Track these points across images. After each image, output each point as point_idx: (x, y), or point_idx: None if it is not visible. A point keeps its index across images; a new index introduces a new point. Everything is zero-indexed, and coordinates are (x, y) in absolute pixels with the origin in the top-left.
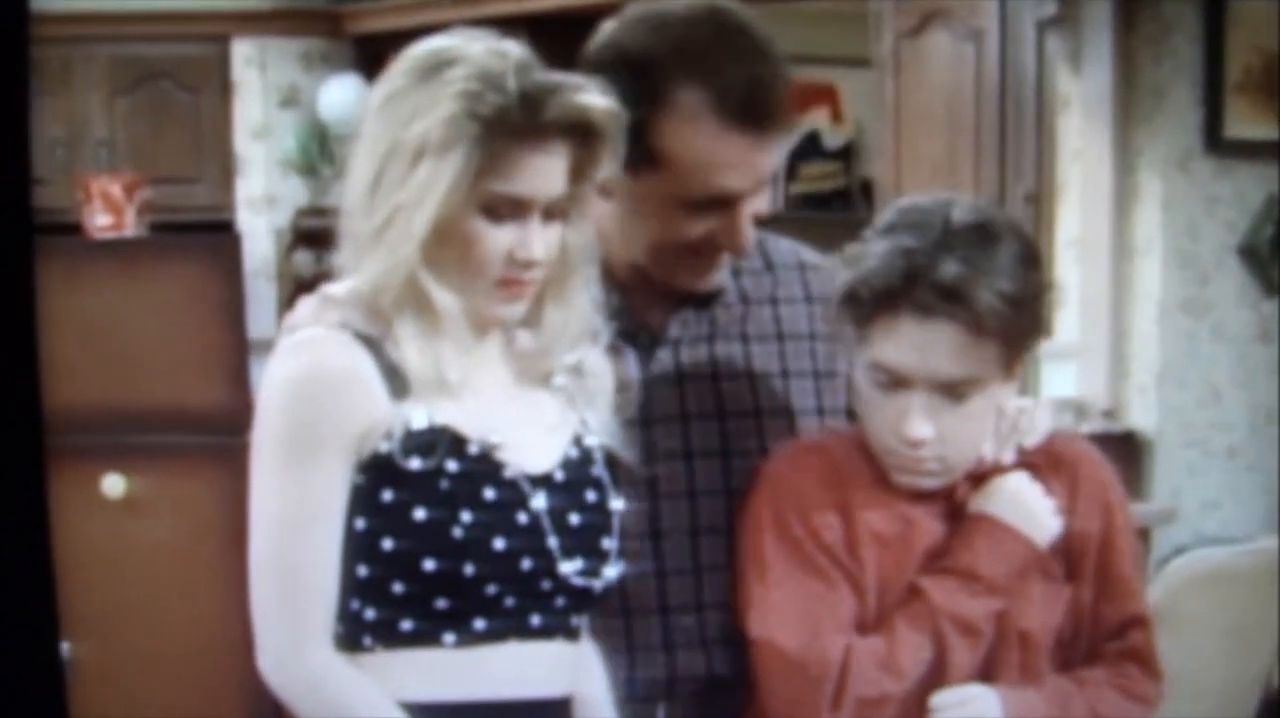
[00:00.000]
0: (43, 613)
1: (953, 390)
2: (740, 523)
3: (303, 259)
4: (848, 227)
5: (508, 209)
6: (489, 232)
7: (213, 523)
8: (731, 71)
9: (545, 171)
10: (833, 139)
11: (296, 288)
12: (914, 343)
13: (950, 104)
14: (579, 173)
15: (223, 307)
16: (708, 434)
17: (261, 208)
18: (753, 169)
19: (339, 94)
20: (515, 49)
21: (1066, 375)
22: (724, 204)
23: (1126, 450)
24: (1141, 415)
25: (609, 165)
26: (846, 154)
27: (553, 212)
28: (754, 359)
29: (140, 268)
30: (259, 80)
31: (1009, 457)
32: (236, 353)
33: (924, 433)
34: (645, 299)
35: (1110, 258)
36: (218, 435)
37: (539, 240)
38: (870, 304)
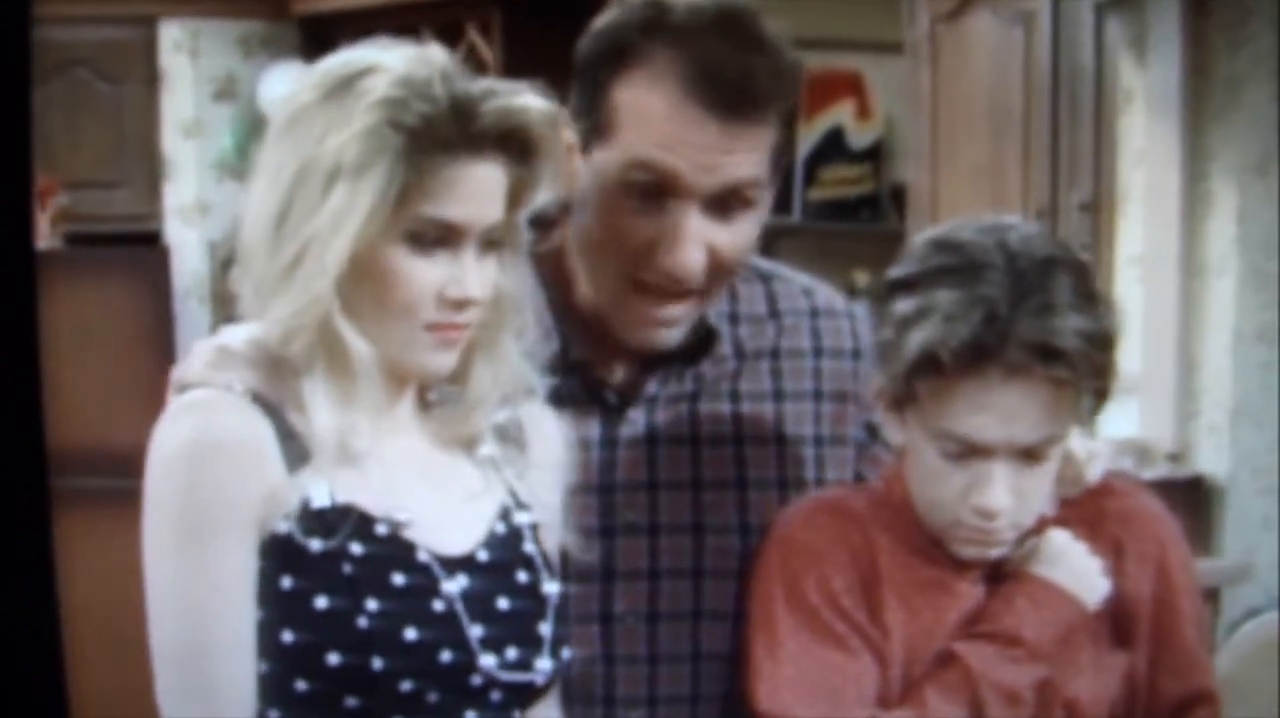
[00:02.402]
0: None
1: (1032, 453)
2: (750, 590)
3: None
4: (876, 240)
5: (438, 238)
6: (415, 266)
7: (138, 579)
8: (715, 46)
9: (481, 192)
10: (858, 137)
11: (233, 310)
12: (1001, 409)
13: (995, 98)
14: (514, 198)
15: (149, 331)
16: (678, 507)
17: (193, 217)
18: (706, 160)
19: (282, 85)
20: (439, 55)
21: (1127, 413)
22: (667, 194)
23: (1194, 499)
24: (1212, 459)
25: (548, 187)
26: (874, 155)
27: (489, 243)
28: (744, 422)
29: (54, 286)
30: (190, 69)
31: (1050, 508)
32: (164, 385)
33: (1006, 504)
34: (618, 351)
35: (1178, 277)
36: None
37: (475, 276)
38: (953, 369)
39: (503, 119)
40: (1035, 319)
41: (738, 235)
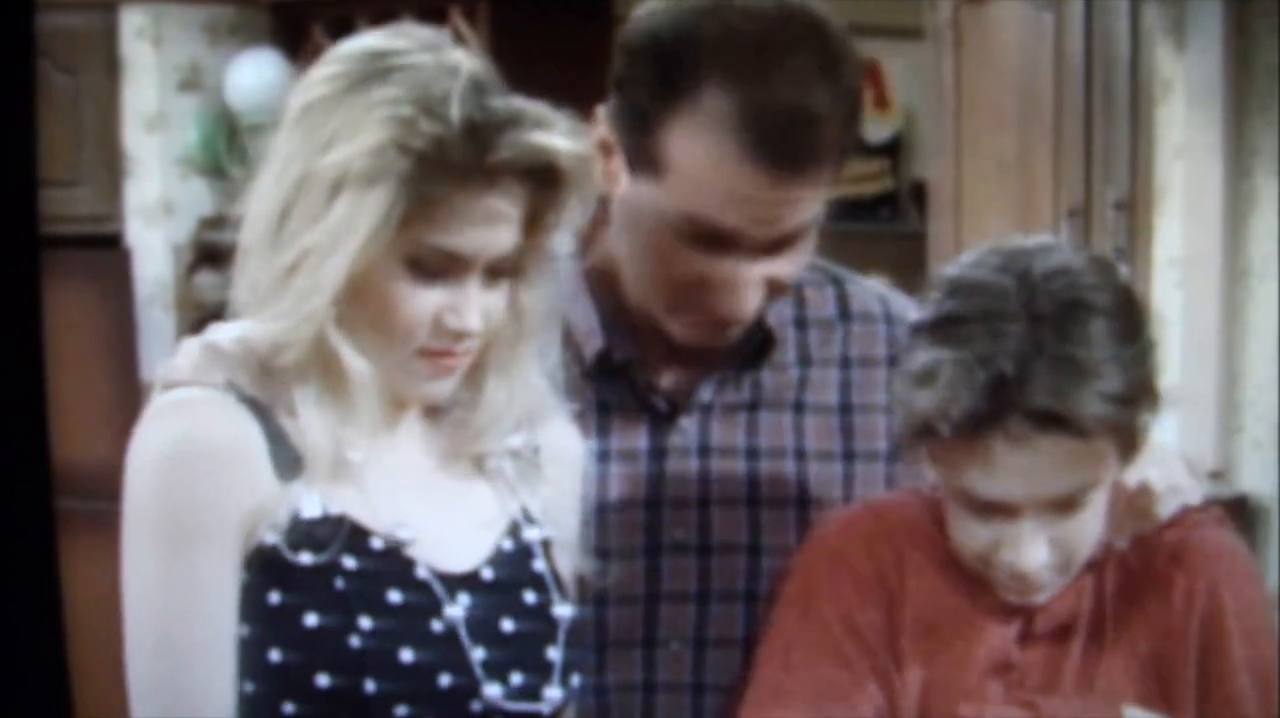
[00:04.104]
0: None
1: (1063, 504)
2: (775, 590)
3: (207, 282)
4: (895, 241)
5: (440, 266)
6: (414, 293)
7: (91, 608)
8: (779, 88)
9: (491, 224)
10: (876, 130)
11: (200, 318)
12: (1016, 470)
13: (1023, 88)
14: (536, 222)
15: (109, 341)
16: (732, 526)
17: (157, 218)
18: (766, 214)
19: (252, 75)
20: (469, 63)
21: (1165, 428)
22: (723, 247)
23: (1237, 520)
24: (1256, 477)
25: (575, 212)
26: (893, 149)
27: (498, 270)
28: (807, 436)
29: None
30: (153, 57)
31: (1122, 542)
32: (126, 399)
33: (1038, 562)
34: (668, 354)
35: (1220, 281)
36: (103, 501)
37: (475, 308)
38: (954, 438)
39: (522, 156)
40: (1049, 379)
41: (795, 261)
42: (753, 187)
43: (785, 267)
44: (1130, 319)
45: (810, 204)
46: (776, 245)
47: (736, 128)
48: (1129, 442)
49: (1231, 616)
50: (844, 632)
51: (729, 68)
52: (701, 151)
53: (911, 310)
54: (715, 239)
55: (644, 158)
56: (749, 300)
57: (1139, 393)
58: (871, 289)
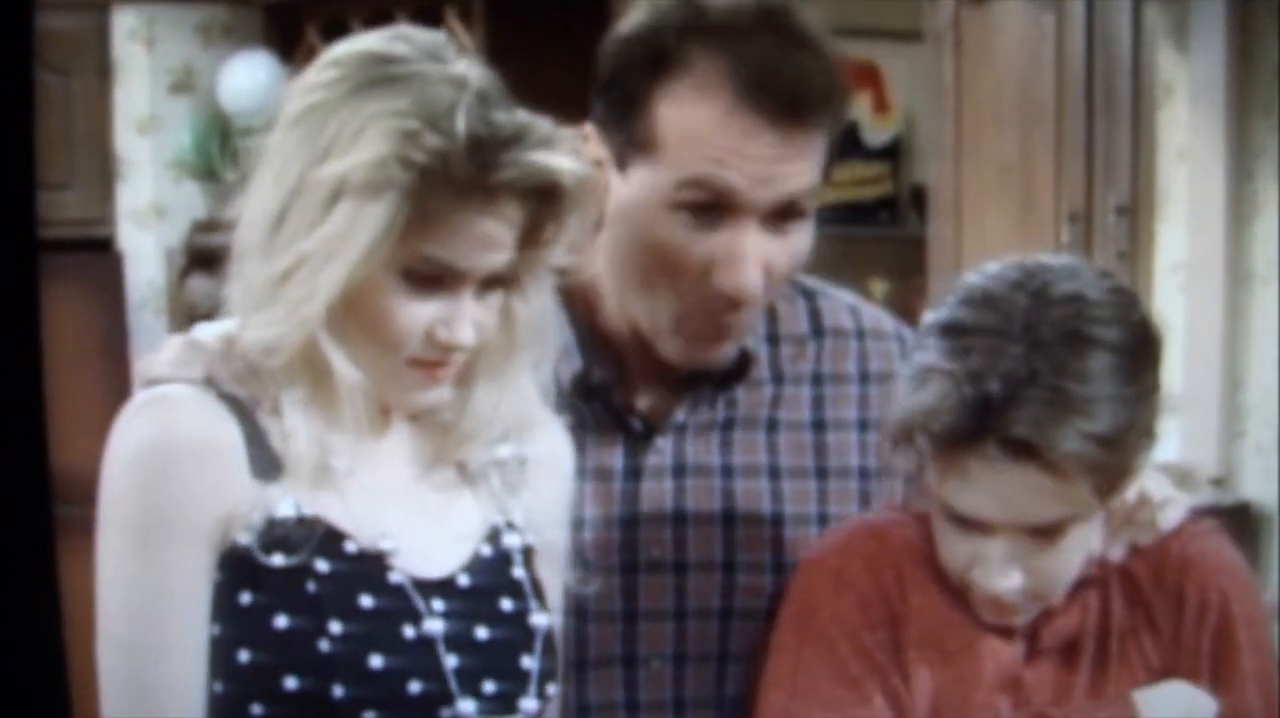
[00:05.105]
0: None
1: (1042, 532)
2: (776, 615)
3: (200, 286)
4: (895, 245)
5: (435, 278)
6: (408, 304)
7: (84, 612)
8: (762, 47)
9: (488, 238)
10: (875, 134)
11: (193, 322)
12: (994, 492)
13: (1024, 90)
14: (534, 236)
15: (100, 345)
16: (708, 543)
17: (149, 221)
18: (764, 171)
19: (245, 76)
20: (475, 74)
21: (1167, 434)
22: (726, 214)
23: (1239, 527)
24: (1259, 484)
25: (575, 228)
26: (893, 153)
27: (492, 283)
28: (781, 453)
29: None
30: (146, 59)
31: (1118, 554)
32: (118, 404)
33: (1009, 585)
34: (646, 374)
35: (1223, 286)
36: (92, 506)
37: (468, 321)
38: (930, 448)
39: (526, 175)
40: (1033, 409)
41: (792, 247)
42: (748, 139)
43: (781, 252)
44: (1139, 358)
45: (803, 170)
46: (773, 219)
47: (729, 83)
48: (1110, 482)
49: (1241, 628)
50: (850, 652)
51: (714, 35)
52: (695, 110)
53: (885, 321)
54: (716, 205)
55: (636, 142)
56: (753, 275)
57: (1128, 435)
58: (842, 302)
